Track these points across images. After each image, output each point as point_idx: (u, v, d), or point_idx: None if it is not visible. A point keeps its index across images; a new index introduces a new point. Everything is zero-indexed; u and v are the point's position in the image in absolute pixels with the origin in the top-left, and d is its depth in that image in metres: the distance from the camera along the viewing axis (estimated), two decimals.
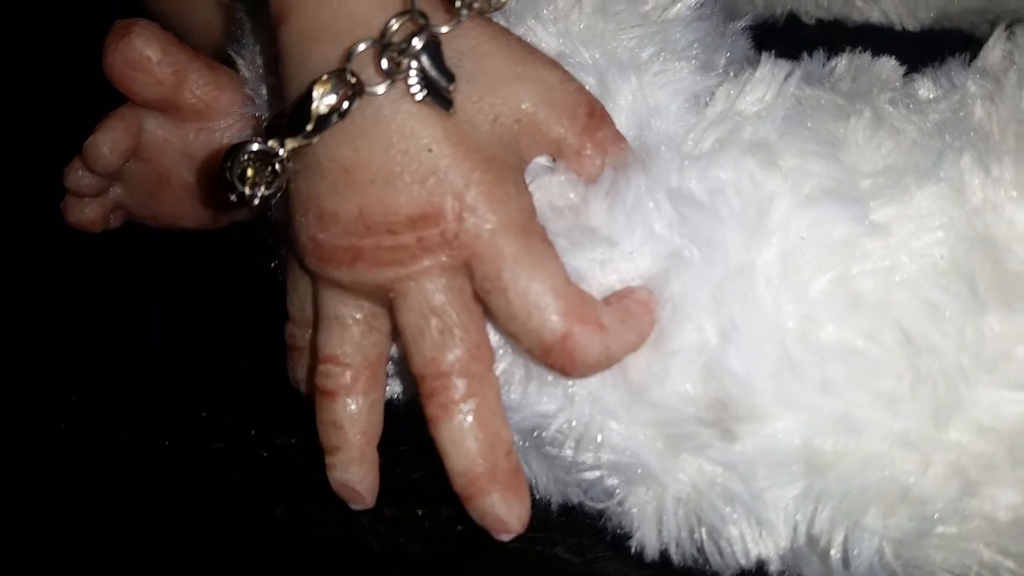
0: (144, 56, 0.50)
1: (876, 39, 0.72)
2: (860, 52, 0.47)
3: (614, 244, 0.39)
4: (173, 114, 0.52)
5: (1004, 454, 0.37)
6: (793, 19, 0.73)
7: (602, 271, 0.39)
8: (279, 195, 0.40)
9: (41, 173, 0.56)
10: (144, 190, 0.55)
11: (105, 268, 0.58)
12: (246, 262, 0.51)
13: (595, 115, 0.40)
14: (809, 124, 0.40)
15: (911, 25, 0.73)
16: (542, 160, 0.41)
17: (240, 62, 0.48)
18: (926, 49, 0.70)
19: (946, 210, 0.38)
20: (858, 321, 0.37)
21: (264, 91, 0.47)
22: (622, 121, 0.41)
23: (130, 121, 0.52)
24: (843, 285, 0.37)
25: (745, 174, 0.38)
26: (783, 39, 0.68)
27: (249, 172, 0.39)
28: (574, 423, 0.40)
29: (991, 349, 0.37)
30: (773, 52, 0.45)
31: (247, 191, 0.39)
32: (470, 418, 0.39)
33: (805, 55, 0.46)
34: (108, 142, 0.51)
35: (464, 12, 0.38)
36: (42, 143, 0.61)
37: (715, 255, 0.38)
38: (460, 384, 0.39)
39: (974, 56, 0.45)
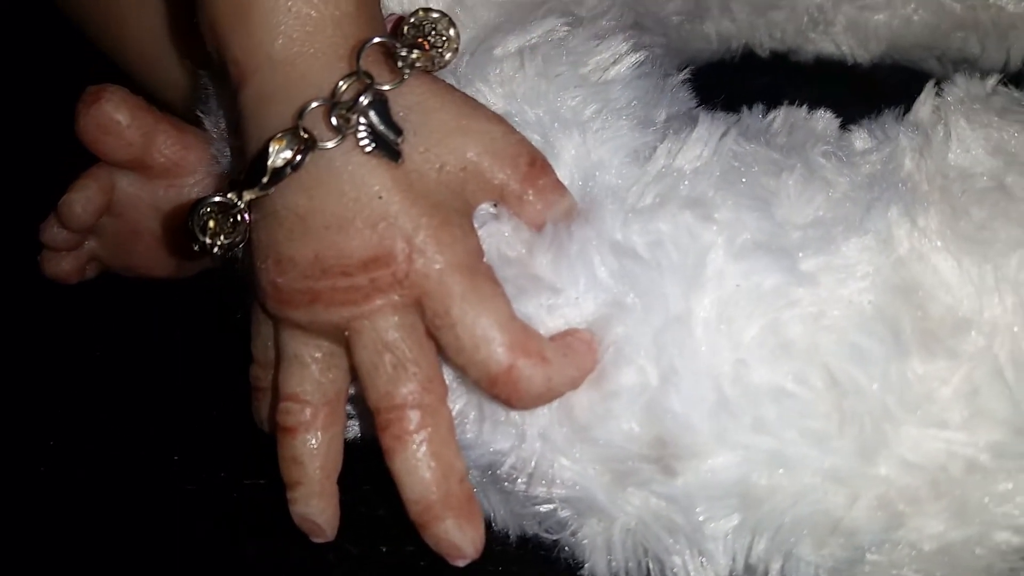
0: (114, 120, 0.53)
1: (829, 75, 0.76)
2: (797, 106, 0.49)
3: (559, 292, 0.41)
4: (143, 172, 0.55)
5: (927, 488, 0.39)
6: (749, 55, 0.76)
7: (549, 316, 0.42)
8: (242, 245, 0.42)
9: (18, 228, 0.58)
10: (117, 243, 0.58)
11: (80, 317, 0.60)
12: (214, 310, 0.54)
13: (536, 164, 0.42)
14: (744, 180, 0.42)
15: (862, 57, 0.76)
16: (488, 207, 0.43)
17: (206, 123, 0.51)
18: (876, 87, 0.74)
19: (873, 260, 0.40)
20: (788, 364, 0.39)
21: (228, 151, 0.49)
22: (566, 175, 0.43)
23: (102, 180, 0.55)
24: (774, 331, 0.39)
25: (683, 227, 0.41)
26: (732, 84, 0.70)
27: (211, 224, 0.41)
28: (527, 460, 0.42)
29: (914, 391, 0.39)
30: (716, 104, 0.48)
31: (208, 241, 0.41)
32: (424, 448, 0.41)
33: (745, 109, 0.49)
34: (81, 201, 0.54)
35: (407, 72, 0.41)
36: (19, 198, 0.63)
37: (655, 303, 0.40)
38: (414, 416, 0.41)
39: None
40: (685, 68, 0.56)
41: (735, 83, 0.72)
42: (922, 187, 0.43)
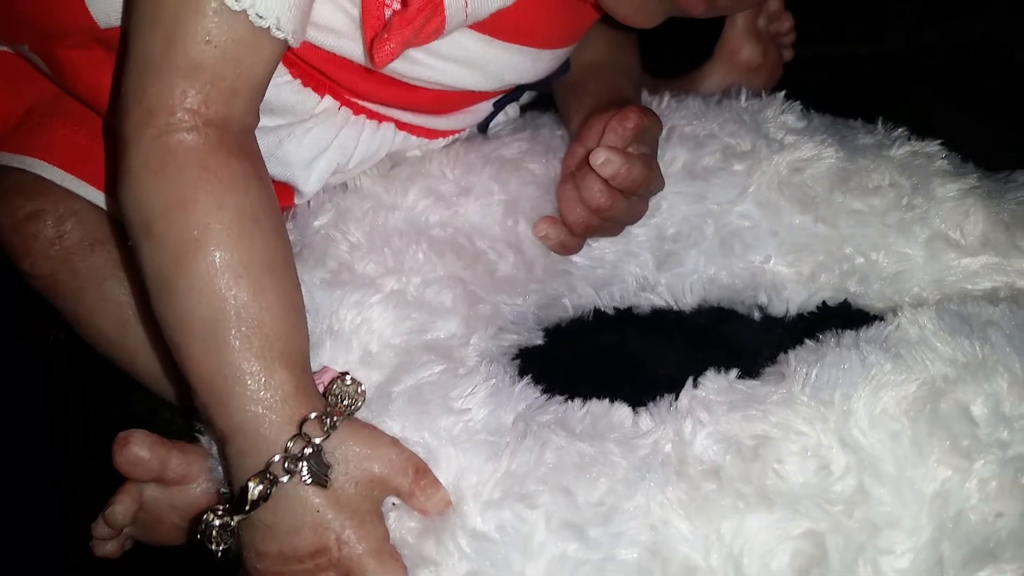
0: (139, 456, 0.74)
1: (661, 321, 0.98)
2: (599, 400, 0.72)
3: (439, 564, 0.63)
4: (161, 483, 0.76)
5: None
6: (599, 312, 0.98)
7: None
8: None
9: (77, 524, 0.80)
10: (145, 528, 0.79)
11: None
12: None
13: (420, 471, 0.65)
14: (557, 474, 0.65)
15: (684, 306, 0.98)
16: (392, 500, 0.65)
17: (203, 441, 0.72)
18: (697, 327, 0.97)
19: (635, 525, 0.62)
20: None
21: (219, 464, 0.71)
22: (442, 477, 0.65)
23: (133, 493, 0.76)
24: None
25: (517, 514, 0.63)
26: (586, 340, 0.94)
27: (214, 534, 0.63)
28: None
29: None
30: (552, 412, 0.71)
31: (213, 547, 0.63)
32: None
33: (570, 406, 0.71)
34: (120, 511, 0.75)
35: (331, 430, 0.63)
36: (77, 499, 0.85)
37: (503, 567, 0.62)
38: None
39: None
40: (547, 331, 0.81)
41: (589, 339, 0.95)
42: (672, 467, 0.65)
